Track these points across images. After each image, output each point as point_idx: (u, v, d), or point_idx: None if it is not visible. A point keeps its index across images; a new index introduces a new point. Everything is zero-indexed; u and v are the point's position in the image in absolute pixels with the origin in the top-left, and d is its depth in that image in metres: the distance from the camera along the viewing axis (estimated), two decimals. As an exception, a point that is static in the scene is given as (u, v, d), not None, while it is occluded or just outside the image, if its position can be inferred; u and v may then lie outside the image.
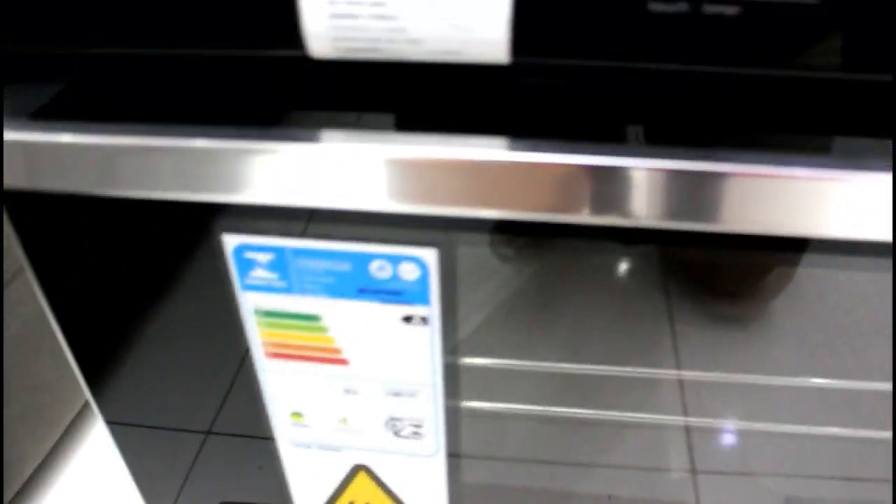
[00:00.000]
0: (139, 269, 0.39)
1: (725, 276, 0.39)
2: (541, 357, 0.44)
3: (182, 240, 0.37)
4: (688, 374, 0.44)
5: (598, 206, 0.31)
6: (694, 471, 0.53)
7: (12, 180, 0.32)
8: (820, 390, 0.45)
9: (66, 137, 0.31)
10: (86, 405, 0.50)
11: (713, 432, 0.49)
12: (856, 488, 0.49)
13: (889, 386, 0.43)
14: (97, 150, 0.31)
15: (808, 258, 0.35)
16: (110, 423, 0.49)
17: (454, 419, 0.46)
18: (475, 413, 0.48)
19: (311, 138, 0.30)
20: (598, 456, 0.54)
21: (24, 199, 0.35)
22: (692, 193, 0.30)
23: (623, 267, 0.37)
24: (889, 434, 0.46)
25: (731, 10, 0.27)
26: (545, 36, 0.28)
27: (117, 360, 0.44)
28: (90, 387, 0.46)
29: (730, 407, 0.47)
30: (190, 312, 0.41)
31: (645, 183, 0.30)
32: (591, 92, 0.32)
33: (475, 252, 0.37)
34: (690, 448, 0.52)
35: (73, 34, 0.31)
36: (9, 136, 0.31)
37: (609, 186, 0.30)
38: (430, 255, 0.36)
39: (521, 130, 0.30)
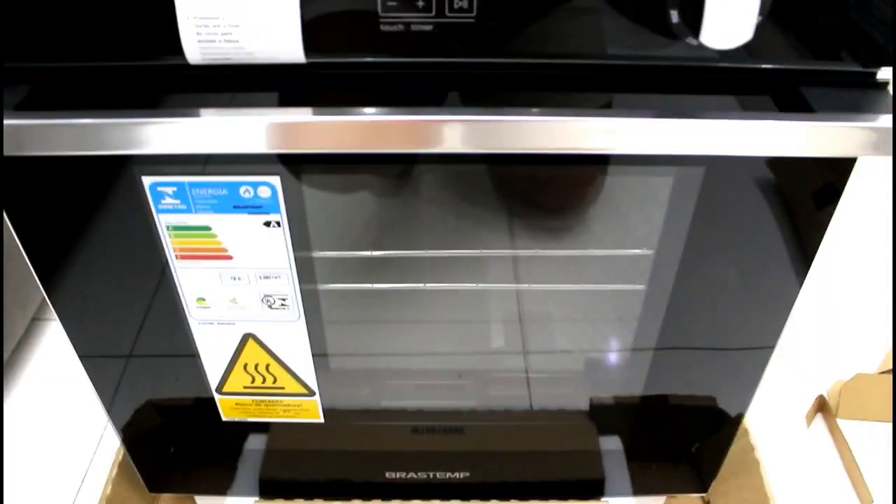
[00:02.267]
0: (86, 205, 0.60)
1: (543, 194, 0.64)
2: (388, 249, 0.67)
3: (114, 184, 0.58)
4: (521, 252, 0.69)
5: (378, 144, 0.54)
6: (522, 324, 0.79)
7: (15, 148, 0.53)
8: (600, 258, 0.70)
9: (42, 121, 0.52)
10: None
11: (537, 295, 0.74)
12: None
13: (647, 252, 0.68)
14: (61, 128, 0.52)
15: (593, 171, 0.60)
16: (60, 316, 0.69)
17: (311, 293, 0.69)
18: (328, 290, 0.71)
19: (195, 113, 0.52)
20: (443, 324, 0.78)
21: (12, 164, 0.55)
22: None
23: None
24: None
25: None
26: (324, 46, 0.51)
27: (69, 271, 0.65)
28: (45, 290, 0.66)
29: (549, 275, 0.72)
30: (122, 239, 0.62)
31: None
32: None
33: (312, 177, 0.60)
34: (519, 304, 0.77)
35: (33, 53, 0.51)
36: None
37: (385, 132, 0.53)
38: (276, 181, 0.58)
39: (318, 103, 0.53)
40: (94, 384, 0.76)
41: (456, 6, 0.50)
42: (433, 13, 0.50)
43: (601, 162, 0.60)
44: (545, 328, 0.84)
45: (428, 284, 0.72)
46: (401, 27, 0.51)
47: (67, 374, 1.10)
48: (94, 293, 0.67)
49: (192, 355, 0.72)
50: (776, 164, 0.58)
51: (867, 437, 1.01)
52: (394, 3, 0.50)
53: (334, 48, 0.52)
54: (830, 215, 0.62)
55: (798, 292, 0.68)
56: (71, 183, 0.58)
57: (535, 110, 0.51)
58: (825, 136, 0.52)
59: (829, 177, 0.59)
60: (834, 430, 1.04)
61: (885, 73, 0.55)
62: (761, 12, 0.47)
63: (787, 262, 0.65)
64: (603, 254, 0.71)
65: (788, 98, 0.54)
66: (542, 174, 0.64)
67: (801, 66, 0.54)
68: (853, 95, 0.54)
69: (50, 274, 0.65)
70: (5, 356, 1.08)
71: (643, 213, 0.66)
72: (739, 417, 0.82)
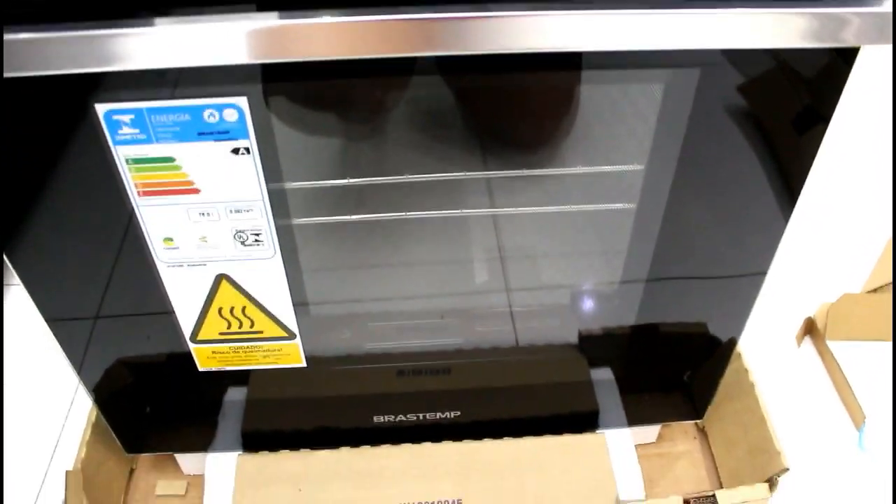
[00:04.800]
0: (38, 146, 0.55)
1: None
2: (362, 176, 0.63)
3: (66, 115, 0.53)
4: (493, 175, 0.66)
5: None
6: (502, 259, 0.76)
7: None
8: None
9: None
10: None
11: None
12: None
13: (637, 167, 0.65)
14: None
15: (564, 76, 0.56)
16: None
17: (286, 229, 0.65)
18: (303, 224, 0.67)
19: (151, 23, 0.47)
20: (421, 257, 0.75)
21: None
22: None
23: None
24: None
25: None
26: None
27: (27, 228, 0.60)
28: (4, 251, 0.62)
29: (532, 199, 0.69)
30: (80, 181, 0.57)
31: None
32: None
33: (280, 97, 0.56)
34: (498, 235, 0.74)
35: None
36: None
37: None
38: (243, 102, 0.54)
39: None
40: (63, 347, 0.72)
41: None
42: None
43: (590, 66, 0.56)
44: (529, 261, 0.81)
45: (406, 213, 0.69)
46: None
47: (33, 338, 1.06)
48: (56, 247, 0.62)
49: (164, 304, 0.68)
50: (775, 61, 0.55)
51: (855, 356, 1.01)
52: None
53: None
54: (824, 130, 0.60)
55: (792, 210, 0.66)
56: (20, 119, 0.53)
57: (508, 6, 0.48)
58: (828, 23, 0.50)
59: (826, 83, 0.57)
60: (823, 352, 1.03)
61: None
62: None
63: (782, 179, 0.63)
64: (590, 171, 0.68)
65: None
66: (517, 92, 0.60)
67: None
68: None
69: (7, 231, 0.60)
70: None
71: (632, 126, 0.63)
72: (732, 343, 0.80)
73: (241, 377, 0.78)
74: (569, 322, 0.82)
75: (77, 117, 0.54)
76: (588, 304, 0.81)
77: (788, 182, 0.63)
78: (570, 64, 0.55)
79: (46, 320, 0.69)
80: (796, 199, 0.65)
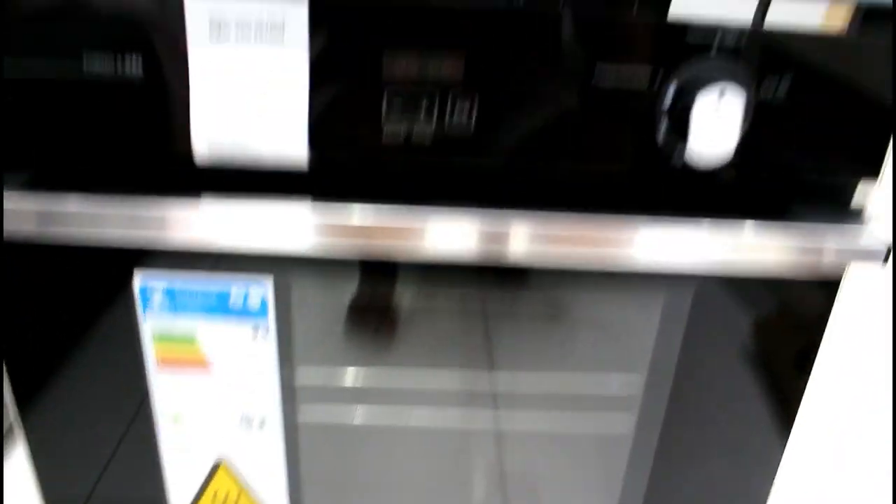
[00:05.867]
0: (74, 307, 0.59)
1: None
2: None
3: (103, 281, 0.58)
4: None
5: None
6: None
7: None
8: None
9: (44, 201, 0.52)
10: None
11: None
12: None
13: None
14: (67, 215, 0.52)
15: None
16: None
17: (292, 423, 0.66)
18: (311, 422, 0.68)
19: (199, 204, 0.53)
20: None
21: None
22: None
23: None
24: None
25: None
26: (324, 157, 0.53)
27: (47, 391, 0.62)
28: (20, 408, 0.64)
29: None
30: (104, 342, 0.61)
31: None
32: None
33: (304, 285, 0.60)
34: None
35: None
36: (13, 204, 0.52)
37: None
38: (268, 281, 0.58)
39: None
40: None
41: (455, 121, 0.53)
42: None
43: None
44: (530, 488, 0.80)
45: (410, 421, 0.70)
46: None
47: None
48: (70, 415, 0.64)
49: (159, 486, 0.68)
50: (766, 286, 0.59)
51: None
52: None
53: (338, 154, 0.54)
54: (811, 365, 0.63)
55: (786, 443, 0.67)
56: (64, 286, 0.58)
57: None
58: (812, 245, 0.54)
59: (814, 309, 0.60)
60: None
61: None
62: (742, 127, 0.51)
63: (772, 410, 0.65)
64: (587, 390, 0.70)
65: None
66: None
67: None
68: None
69: (27, 391, 0.63)
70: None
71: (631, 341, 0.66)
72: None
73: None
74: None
75: (114, 287, 0.58)
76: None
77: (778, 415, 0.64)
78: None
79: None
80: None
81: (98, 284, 0.58)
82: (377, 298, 0.62)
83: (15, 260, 0.56)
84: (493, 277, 0.60)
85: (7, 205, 0.52)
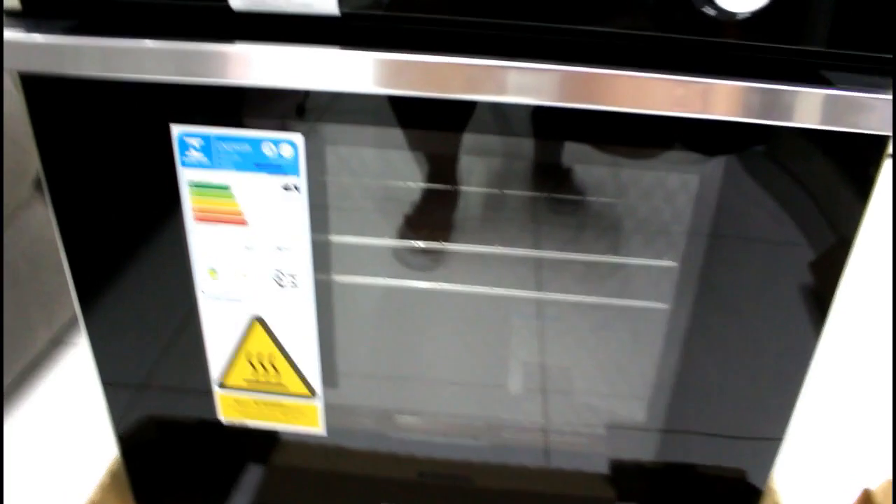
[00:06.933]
0: (115, 153, 0.61)
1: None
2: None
3: (143, 131, 0.60)
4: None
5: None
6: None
7: (43, 66, 0.55)
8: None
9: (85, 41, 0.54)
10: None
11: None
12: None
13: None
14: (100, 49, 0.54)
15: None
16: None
17: (324, 281, 0.67)
18: (342, 281, 0.70)
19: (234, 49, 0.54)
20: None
21: (43, 82, 0.58)
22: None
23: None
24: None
25: None
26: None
27: (99, 258, 0.65)
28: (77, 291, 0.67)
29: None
30: (145, 193, 0.63)
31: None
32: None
33: (336, 140, 0.61)
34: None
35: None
36: (50, 40, 0.54)
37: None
38: (299, 139, 0.59)
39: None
40: (107, 401, 0.76)
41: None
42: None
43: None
44: (565, 374, 0.80)
45: (446, 285, 0.70)
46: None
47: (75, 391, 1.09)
48: (122, 285, 0.67)
49: (198, 340, 0.71)
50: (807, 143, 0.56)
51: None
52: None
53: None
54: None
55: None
56: (102, 136, 0.60)
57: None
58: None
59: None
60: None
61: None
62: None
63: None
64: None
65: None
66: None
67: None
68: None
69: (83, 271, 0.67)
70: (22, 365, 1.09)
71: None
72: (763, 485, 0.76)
73: (261, 442, 0.78)
74: (601, 450, 0.79)
75: (153, 137, 0.60)
76: (620, 436, 0.78)
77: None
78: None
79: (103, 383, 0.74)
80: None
81: (140, 133, 0.60)
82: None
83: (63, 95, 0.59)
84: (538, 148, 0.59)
85: (54, 43, 0.54)
